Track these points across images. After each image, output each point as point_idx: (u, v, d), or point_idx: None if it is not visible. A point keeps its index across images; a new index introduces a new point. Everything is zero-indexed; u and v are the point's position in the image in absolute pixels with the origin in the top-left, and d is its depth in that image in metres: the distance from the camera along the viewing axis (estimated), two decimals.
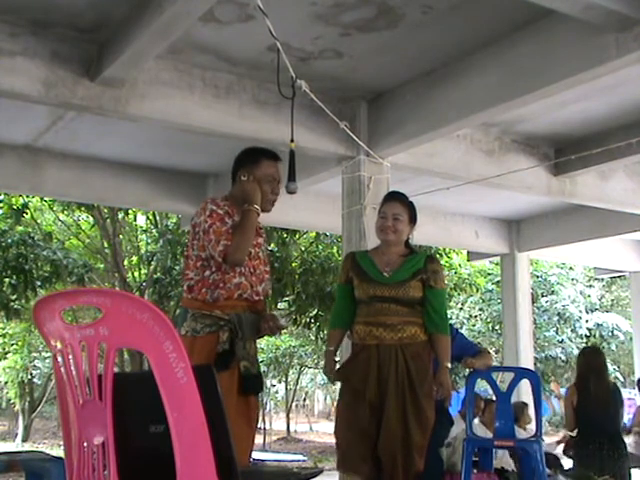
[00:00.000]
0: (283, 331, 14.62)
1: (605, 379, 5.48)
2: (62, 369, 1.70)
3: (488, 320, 17.03)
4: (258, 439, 17.37)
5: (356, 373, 3.64)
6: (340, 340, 3.87)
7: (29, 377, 18.02)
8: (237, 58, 4.97)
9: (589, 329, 17.13)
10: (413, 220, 3.81)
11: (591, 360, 5.53)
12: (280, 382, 21.31)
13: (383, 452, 3.52)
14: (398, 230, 3.73)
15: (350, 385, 3.68)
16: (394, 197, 3.86)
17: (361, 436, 3.56)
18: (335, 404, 4.07)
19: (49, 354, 12.35)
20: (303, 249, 11.11)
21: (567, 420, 5.60)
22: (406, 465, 3.50)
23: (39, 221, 11.38)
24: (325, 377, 4.06)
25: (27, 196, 9.48)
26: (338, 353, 4.02)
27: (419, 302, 3.66)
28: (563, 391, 6.20)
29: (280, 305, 11.82)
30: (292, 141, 3.74)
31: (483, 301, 16.80)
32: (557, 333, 16.85)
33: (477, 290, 14.13)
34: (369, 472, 3.58)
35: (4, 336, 16.42)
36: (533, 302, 13.34)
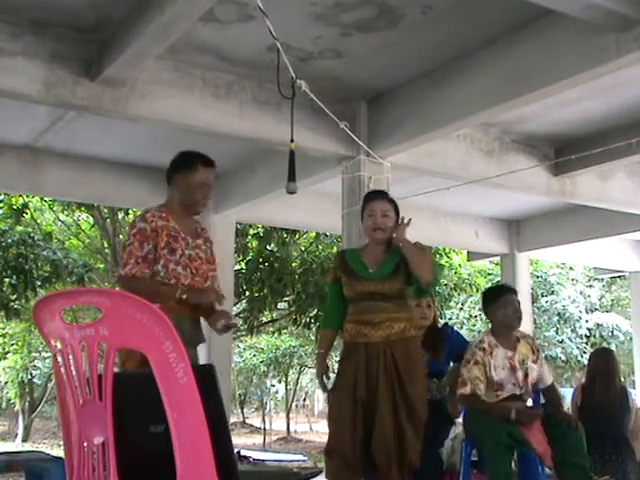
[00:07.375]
0: (283, 331, 14.60)
1: (611, 382, 5.42)
2: (62, 369, 1.70)
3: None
4: (258, 439, 17.37)
5: (346, 375, 3.63)
6: (332, 341, 3.88)
7: (29, 377, 17.98)
8: (237, 58, 4.97)
9: (589, 329, 17.10)
10: (397, 216, 3.83)
11: (597, 362, 5.49)
12: (280, 382, 21.28)
13: (377, 451, 3.51)
14: (388, 227, 3.76)
15: (341, 388, 3.66)
16: (379, 195, 3.90)
17: (352, 440, 3.54)
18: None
19: (49, 354, 12.34)
20: (303, 249, 11.10)
21: None
22: (401, 463, 3.51)
23: (39, 221, 11.36)
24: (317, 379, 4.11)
25: (27, 196, 9.47)
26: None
27: (407, 295, 3.71)
28: (562, 391, 6.19)
29: (280, 305, 11.82)
30: (292, 141, 3.75)
31: None
32: (557, 333, 16.82)
33: (477, 290, 14.10)
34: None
35: (4, 336, 16.38)
36: (533, 302, 13.32)
